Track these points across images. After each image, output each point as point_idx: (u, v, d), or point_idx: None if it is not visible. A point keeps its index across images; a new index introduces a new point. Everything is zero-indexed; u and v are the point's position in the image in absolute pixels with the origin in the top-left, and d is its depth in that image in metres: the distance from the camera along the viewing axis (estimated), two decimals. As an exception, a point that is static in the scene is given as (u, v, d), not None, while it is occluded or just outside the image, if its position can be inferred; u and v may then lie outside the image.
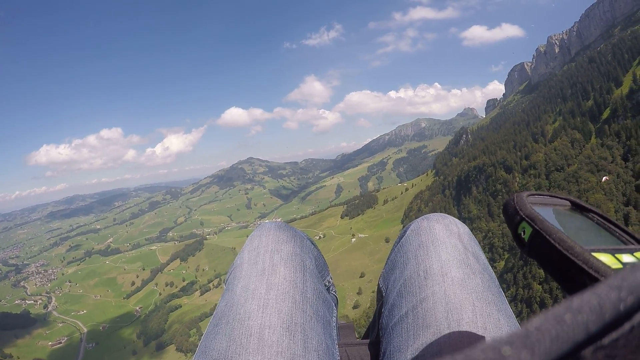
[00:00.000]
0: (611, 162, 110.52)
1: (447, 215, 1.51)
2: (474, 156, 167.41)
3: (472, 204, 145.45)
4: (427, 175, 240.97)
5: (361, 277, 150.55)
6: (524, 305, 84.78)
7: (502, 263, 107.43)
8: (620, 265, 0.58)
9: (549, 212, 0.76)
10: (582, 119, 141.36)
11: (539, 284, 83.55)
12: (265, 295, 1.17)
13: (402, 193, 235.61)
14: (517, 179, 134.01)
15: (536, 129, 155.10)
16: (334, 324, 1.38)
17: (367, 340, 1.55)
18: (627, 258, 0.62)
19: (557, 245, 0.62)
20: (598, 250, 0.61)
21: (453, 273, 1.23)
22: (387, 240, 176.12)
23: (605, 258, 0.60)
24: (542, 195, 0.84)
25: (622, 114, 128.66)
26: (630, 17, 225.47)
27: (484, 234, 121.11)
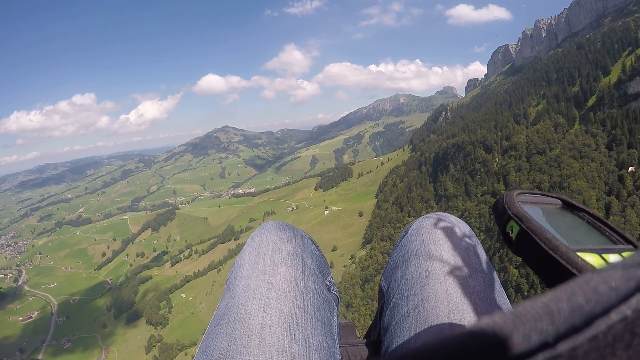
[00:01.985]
0: (595, 150, 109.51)
1: (449, 214, 1.51)
2: (453, 134, 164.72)
3: (449, 181, 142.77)
4: (403, 150, 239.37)
5: (333, 250, 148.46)
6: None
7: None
8: (606, 266, 0.59)
9: (538, 211, 0.79)
10: (567, 104, 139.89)
11: (516, 268, 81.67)
12: (266, 295, 1.17)
13: (377, 167, 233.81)
14: (497, 159, 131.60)
15: (518, 110, 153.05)
16: (335, 323, 1.39)
17: (369, 340, 1.56)
18: (614, 258, 0.64)
19: (542, 244, 0.64)
20: (585, 250, 0.64)
21: (455, 272, 1.24)
22: (360, 214, 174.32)
23: (591, 258, 0.62)
24: (533, 194, 0.87)
25: (609, 102, 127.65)
26: (622, 8, 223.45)
27: (460, 213, 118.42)
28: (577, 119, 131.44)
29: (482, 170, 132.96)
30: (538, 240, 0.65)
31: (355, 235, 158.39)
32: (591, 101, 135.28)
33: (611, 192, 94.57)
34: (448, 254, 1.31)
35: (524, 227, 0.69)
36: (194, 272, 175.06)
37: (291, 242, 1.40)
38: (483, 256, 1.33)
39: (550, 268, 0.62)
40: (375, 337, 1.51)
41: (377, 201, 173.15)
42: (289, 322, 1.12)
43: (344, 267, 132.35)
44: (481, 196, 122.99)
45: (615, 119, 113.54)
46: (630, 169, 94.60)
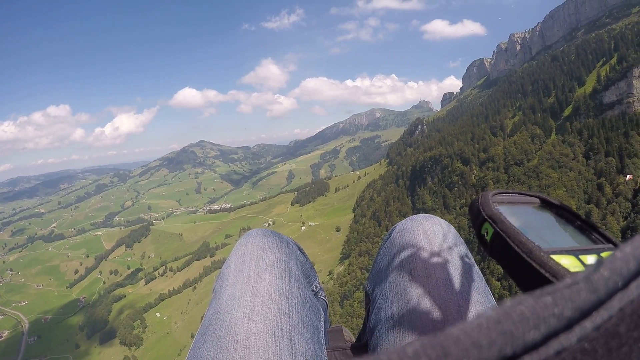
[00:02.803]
0: (572, 159, 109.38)
1: (432, 215, 1.50)
2: (429, 147, 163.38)
3: (427, 194, 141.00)
4: (380, 164, 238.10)
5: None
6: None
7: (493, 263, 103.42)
8: (582, 268, 0.58)
9: (515, 211, 0.75)
10: (543, 115, 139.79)
11: (498, 281, 79.70)
12: (251, 303, 1.17)
13: (354, 181, 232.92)
14: (475, 171, 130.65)
15: (495, 122, 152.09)
16: (322, 329, 1.38)
17: (356, 344, 1.57)
18: (591, 259, 0.62)
19: (515, 247, 0.62)
20: (561, 252, 0.61)
21: (438, 274, 1.24)
22: (337, 230, 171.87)
23: (567, 260, 0.59)
24: (510, 193, 0.83)
25: (585, 112, 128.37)
26: (595, 21, 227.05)
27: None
28: (554, 130, 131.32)
29: (460, 182, 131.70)
30: (511, 243, 0.63)
31: (333, 250, 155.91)
32: (567, 111, 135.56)
33: (590, 200, 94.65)
34: (431, 255, 1.31)
35: (497, 229, 0.66)
36: (169, 290, 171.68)
37: (276, 249, 1.40)
38: (467, 256, 1.33)
39: (524, 272, 0.60)
40: (364, 341, 1.49)
41: (355, 216, 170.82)
42: (274, 329, 1.11)
43: (322, 283, 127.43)
44: (459, 209, 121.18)
45: (592, 128, 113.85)
46: (628, 176, 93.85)
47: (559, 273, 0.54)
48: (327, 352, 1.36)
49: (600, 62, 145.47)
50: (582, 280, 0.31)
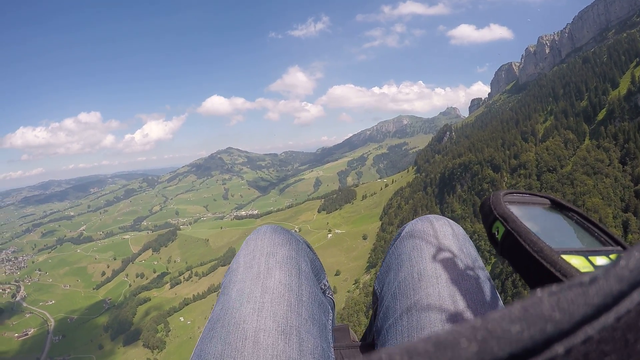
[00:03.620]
0: (608, 165, 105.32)
1: (441, 216, 1.49)
2: (459, 153, 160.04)
3: (456, 203, 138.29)
4: (407, 171, 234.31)
5: (336, 275, 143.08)
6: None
7: (489, 268, 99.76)
8: (592, 269, 0.57)
9: (526, 211, 0.76)
10: (576, 119, 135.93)
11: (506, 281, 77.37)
12: (261, 299, 1.16)
13: (381, 189, 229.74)
14: (506, 178, 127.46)
15: (526, 127, 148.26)
16: (330, 327, 1.37)
17: (363, 343, 1.55)
18: (601, 260, 0.62)
19: (526, 246, 0.62)
20: (571, 252, 0.61)
21: (447, 274, 1.23)
22: (364, 238, 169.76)
23: (577, 261, 0.59)
24: (521, 193, 0.84)
25: (620, 115, 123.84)
26: (626, 21, 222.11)
27: (469, 235, 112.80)
28: (588, 134, 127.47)
29: (490, 190, 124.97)
30: (522, 242, 0.63)
31: (359, 259, 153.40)
32: (601, 115, 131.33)
33: (628, 208, 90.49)
34: (440, 255, 1.29)
35: (509, 228, 0.67)
36: (193, 294, 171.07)
37: (286, 245, 1.38)
38: (476, 258, 1.33)
39: (534, 271, 0.60)
40: (370, 340, 1.49)
41: (382, 224, 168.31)
42: (283, 326, 1.10)
43: (348, 292, 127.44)
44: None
45: (628, 132, 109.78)
46: None
47: (570, 273, 0.54)
48: (334, 350, 1.35)
49: (634, 63, 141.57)
50: (611, 271, 0.31)
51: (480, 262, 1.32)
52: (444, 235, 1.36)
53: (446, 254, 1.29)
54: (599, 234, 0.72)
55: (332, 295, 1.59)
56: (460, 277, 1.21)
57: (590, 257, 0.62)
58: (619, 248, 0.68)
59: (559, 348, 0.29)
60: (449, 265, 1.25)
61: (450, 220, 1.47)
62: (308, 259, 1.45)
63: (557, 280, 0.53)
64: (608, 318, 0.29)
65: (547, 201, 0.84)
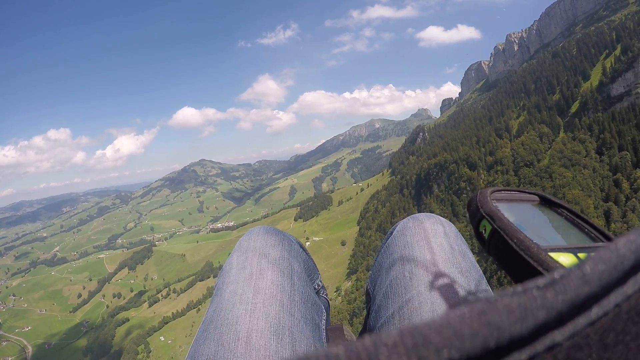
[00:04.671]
0: (585, 156, 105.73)
1: (433, 214, 1.49)
2: (433, 153, 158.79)
3: (434, 203, 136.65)
4: (382, 174, 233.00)
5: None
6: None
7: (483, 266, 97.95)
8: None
9: (513, 209, 0.75)
10: (550, 113, 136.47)
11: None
12: (253, 300, 1.16)
13: (357, 193, 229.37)
14: (483, 175, 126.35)
15: (500, 124, 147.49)
16: (323, 327, 1.38)
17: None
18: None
19: (513, 244, 0.61)
20: (559, 250, 0.61)
21: (439, 273, 1.23)
22: (343, 244, 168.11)
23: (565, 258, 0.59)
24: (509, 190, 0.82)
25: (593, 106, 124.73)
26: (593, 15, 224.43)
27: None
28: (562, 127, 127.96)
29: (468, 188, 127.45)
30: (509, 240, 0.62)
31: (339, 265, 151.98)
32: (574, 107, 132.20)
33: (608, 198, 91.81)
34: (433, 254, 1.28)
35: (495, 226, 0.66)
36: (172, 312, 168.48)
37: (278, 246, 1.39)
38: (469, 255, 1.33)
39: (522, 269, 0.59)
40: None
41: (360, 229, 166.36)
42: (276, 326, 1.10)
43: (330, 300, 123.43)
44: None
45: (602, 122, 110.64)
46: None
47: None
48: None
49: (604, 55, 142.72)
50: (574, 273, 0.30)
51: (472, 258, 1.32)
52: (435, 234, 1.35)
53: (438, 253, 1.28)
54: (589, 230, 0.72)
55: (326, 295, 1.60)
56: (452, 276, 1.21)
57: (579, 254, 0.62)
58: (609, 243, 0.65)
59: (521, 355, 0.28)
60: (441, 263, 1.25)
61: (442, 218, 1.47)
62: (301, 259, 1.46)
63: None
64: (577, 323, 0.28)
65: (536, 198, 0.83)
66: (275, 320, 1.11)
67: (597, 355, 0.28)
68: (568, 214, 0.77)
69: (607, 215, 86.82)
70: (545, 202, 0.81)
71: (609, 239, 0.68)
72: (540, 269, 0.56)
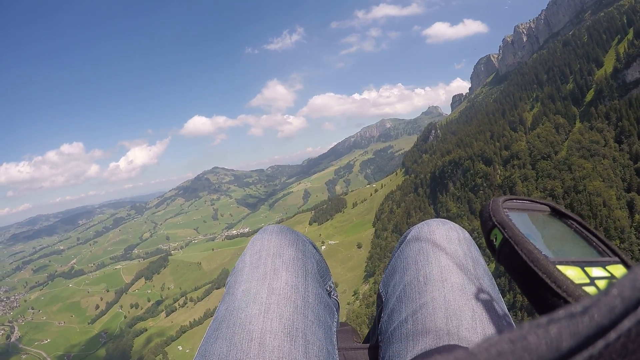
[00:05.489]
0: (604, 146, 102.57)
1: (447, 220, 1.50)
2: (447, 150, 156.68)
3: (451, 201, 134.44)
4: (396, 174, 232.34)
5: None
6: (524, 313, 72.55)
7: (493, 266, 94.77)
8: (587, 280, 0.58)
9: (525, 219, 0.76)
10: (564, 103, 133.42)
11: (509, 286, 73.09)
12: (267, 300, 1.15)
13: (371, 195, 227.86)
14: (499, 170, 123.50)
15: (513, 117, 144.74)
16: (335, 328, 1.37)
17: (367, 345, 1.55)
18: (597, 272, 0.61)
19: (522, 255, 0.62)
20: (567, 263, 0.62)
21: (453, 279, 1.22)
22: (359, 246, 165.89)
23: (572, 272, 0.59)
24: (521, 200, 0.83)
25: (609, 94, 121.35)
26: (601, 0, 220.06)
27: (468, 233, 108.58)
28: (578, 117, 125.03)
29: (484, 184, 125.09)
30: (519, 251, 0.63)
31: (356, 268, 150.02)
32: (589, 96, 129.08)
33: (631, 188, 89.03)
34: (446, 260, 1.29)
35: (506, 236, 0.67)
36: (190, 321, 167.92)
37: (292, 246, 1.38)
38: (481, 262, 1.33)
39: (530, 280, 0.60)
40: (374, 342, 1.47)
41: (375, 230, 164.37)
42: (290, 328, 1.09)
43: (348, 304, 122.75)
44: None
45: (620, 110, 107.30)
46: None
47: (564, 284, 0.54)
48: (338, 351, 1.35)
49: (616, 40, 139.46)
50: (602, 301, 0.31)
51: (485, 266, 1.33)
52: (449, 240, 1.36)
53: (451, 258, 1.28)
54: (597, 244, 0.72)
55: (337, 296, 1.58)
56: (465, 282, 1.21)
57: (586, 268, 0.62)
58: (616, 259, 0.68)
59: None
60: (455, 270, 1.25)
61: (456, 225, 1.47)
62: (314, 260, 1.45)
63: (551, 290, 0.55)
64: (596, 346, 0.31)
65: (547, 208, 0.84)
66: (289, 322, 1.11)
67: None
68: (577, 226, 0.77)
69: (631, 207, 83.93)
70: (556, 213, 0.82)
71: (615, 253, 0.69)
72: (547, 281, 0.56)
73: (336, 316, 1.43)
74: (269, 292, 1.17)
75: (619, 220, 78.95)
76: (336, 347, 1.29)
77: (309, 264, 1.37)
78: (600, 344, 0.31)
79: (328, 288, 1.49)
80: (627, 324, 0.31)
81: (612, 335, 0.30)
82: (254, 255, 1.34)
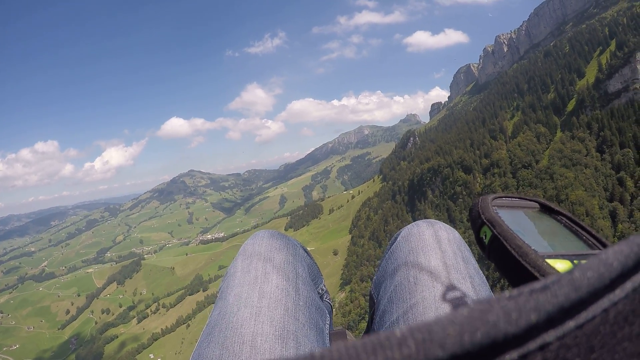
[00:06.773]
0: (586, 155, 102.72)
1: (437, 221, 1.51)
2: (426, 158, 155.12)
3: (429, 209, 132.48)
4: (373, 181, 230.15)
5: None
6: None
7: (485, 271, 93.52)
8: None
9: (514, 215, 0.77)
10: (545, 112, 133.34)
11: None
12: (258, 304, 1.17)
13: (348, 201, 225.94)
14: (479, 179, 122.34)
15: (493, 125, 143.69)
16: (327, 331, 1.39)
17: None
18: None
19: (512, 250, 0.63)
20: (557, 256, 0.63)
21: (443, 279, 1.24)
22: (335, 253, 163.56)
23: (561, 265, 0.61)
24: (510, 197, 0.84)
25: (590, 104, 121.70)
26: (583, 13, 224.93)
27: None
28: (559, 126, 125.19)
29: (464, 192, 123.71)
30: (508, 246, 0.64)
31: (332, 276, 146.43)
32: (570, 105, 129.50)
33: (613, 197, 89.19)
34: (437, 260, 1.29)
35: (495, 232, 0.68)
36: (162, 328, 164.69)
37: (283, 250, 1.40)
38: (472, 261, 1.34)
39: (520, 275, 0.61)
40: None
41: (352, 237, 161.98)
42: (281, 331, 1.11)
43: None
44: (467, 221, 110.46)
45: (601, 120, 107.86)
46: None
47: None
48: None
49: (598, 51, 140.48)
50: (564, 279, 0.31)
51: (476, 265, 1.34)
52: (439, 240, 1.36)
53: (442, 258, 1.30)
54: (587, 238, 0.73)
55: (329, 299, 1.62)
56: (456, 281, 1.22)
57: (575, 261, 0.63)
58: (599, 252, 0.66)
59: (512, 354, 0.30)
60: (445, 269, 1.26)
61: (446, 225, 1.48)
62: (305, 263, 1.48)
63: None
64: (567, 326, 0.30)
65: (536, 205, 0.85)
66: (280, 325, 1.12)
67: (584, 356, 0.30)
68: (567, 221, 0.78)
69: (613, 216, 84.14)
70: (545, 209, 0.83)
71: (605, 245, 0.70)
72: (537, 274, 0.57)
73: (328, 318, 1.45)
74: (260, 295, 1.19)
75: (602, 229, 77.94)
76: None
77: (300, 268, 1.40)
78: (570, 324, 0.31)
79: (320, 291, 1.52)
80: (601, 305, 0.31)
81: (583, 315, 0.31)
82: (245, 260, 1.36)
